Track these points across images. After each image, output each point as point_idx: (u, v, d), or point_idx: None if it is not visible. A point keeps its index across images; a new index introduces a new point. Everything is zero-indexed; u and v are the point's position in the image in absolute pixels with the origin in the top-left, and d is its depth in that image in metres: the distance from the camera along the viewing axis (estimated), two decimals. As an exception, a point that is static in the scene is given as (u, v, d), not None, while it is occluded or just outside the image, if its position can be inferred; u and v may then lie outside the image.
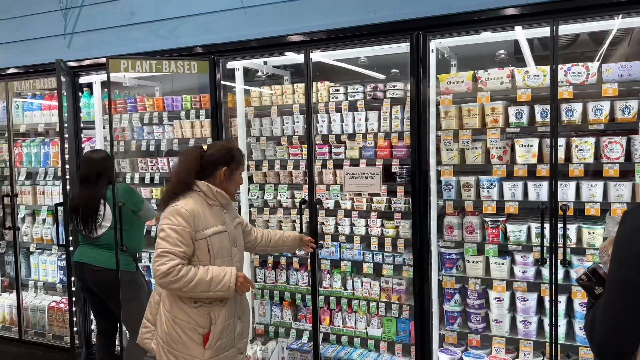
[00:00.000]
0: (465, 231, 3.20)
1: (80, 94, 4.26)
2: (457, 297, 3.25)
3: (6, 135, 4.56)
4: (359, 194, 3.50)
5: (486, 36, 3.07)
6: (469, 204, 3.17)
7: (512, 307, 3.19)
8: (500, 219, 3.12)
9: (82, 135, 4.29)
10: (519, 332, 3.13)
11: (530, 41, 3.16)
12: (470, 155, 3.15)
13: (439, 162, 3.20)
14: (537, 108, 2.99)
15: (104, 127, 4.21)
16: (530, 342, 3.08)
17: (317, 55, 3.37)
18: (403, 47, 3.19)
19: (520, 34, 3.02)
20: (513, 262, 3.14)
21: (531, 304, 3.09)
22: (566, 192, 2.92)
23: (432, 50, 3.08)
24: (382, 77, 3.78)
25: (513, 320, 3.18)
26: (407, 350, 3.44)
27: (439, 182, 3.22)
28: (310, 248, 2.99)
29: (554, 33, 2.74)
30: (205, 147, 2.47)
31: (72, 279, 3.90)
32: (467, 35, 3.09)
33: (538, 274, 3.10)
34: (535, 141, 2.99)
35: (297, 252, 3.58)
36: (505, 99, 3.10)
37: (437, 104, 3.17)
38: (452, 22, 2.93)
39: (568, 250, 2.88)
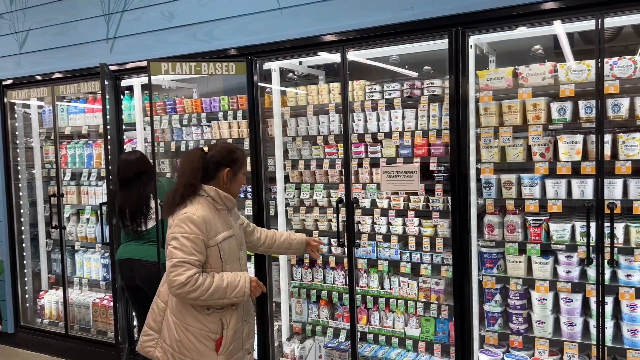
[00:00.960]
0: (506, 230, 3.13)
1: (121, 96, 4.38)
2: (497, 297, 3.19)
3: (52, 137, 4.73)
4: (396, 193, 3.48)
5: (526, 31, 3.01)
6: (510, 202, 3.11)
7: (556, 307, 3.11)
8: (543, 218, 3.05)
9: (124, 137, 4.41)
10: (562, 334, 3.05)
11: (570, 35, 3.08)
12: (511, 152, 3.09)
13: (478, 160, 3.15)
14: (581, 103, 2.90)
15: (144, 129, 4.32)
16: (575, 344, 2.99)
17: (350, 55, 3.36)
18: (438, 44, 3.16)
19: (560, 28, 2.94)
20: (556, 261, 3.07)
21: (576, 305, 3.00)
22: (612, 190, 2.83)
23: (471, 46, 3.04)
24: (415, 74, 3.74)
25: (557, 322, 3.10)
26: (446, 350, 3.40)
27: (478, 180, 3.16)
28: (316, 254, 2.92)
29: (600, 26, 2.66)
30: (206, 148, 2.43)
31: (116, 276, 4.02)
32: (507, 31, 3.03)
33: (583, 274, 3.01)
34: (579, 138, 2.91)
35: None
36: (547, 95, 3.02)
37: (477, 100, 3.12)
38: (492, 18, 2.88)
39: (615, 250, 2.78)
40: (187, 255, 2.23)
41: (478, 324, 3.23)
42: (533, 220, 3.06)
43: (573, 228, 3.01)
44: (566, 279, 3.00)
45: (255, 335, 3.76)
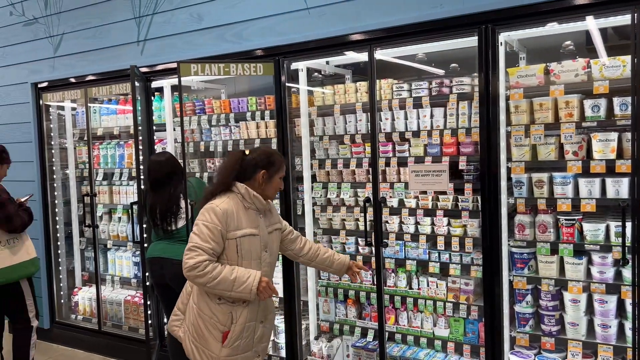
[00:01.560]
0: (538, 230, 3.08)
1: (152, 98, 4.46)
2: (529, 298, 3.14)
3: (85, 138, 4.86)
4: (424, 192, 3.46)
5: (557, 27, 2.94)
6: (541, 201, 3.06)
7: (589, 309, 3.04)
8: (576, 218, 2.99)
9: (154, 138, 4.49)
10: (597, 336, 2.99)
11: (603, 31, 3.01)
12: (543, 151, 3.04)
13: (509, 159, 3.11)
14: (616, 100, 2.83)
15: (174, 129, 4.40)
16: (610, 346, 2.92)
17: (377, 54, 3.35)
18: (467, 42, 3.13)
19: (593, 24, 2.88)
20: (590, 262, 3.00)
21: (610, 307, 2.93)
22: (649, 188, 2.75)
23: (501, 43, 2.99)
24: (442, 72, 3.71)
25: (590, 323, 3.03)
26: (476, 351, 3.36)
27: (508, 179, 3.12)
28: (356, 279, 2.93)
29: (636, 21, 2.59)
30: (247, 151, 2.57)
31: (147, 274, 4.10)
32: (538, 27, 2.97)
33: (618, 275, 2.94)
34: (614, 135, 2.84)
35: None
36: (579, 92, 2.96)
37: (507, 98, 3.08)
38: (523, 14, 2.83)
39: (652, 251, 2.71)
40: (202, 241, 2.35)
41: (508, 325, 3.18)
42: (565, 219, 3.00)
43: (607, 228, 2.94)
44: (600, 280, 2.93)
45: (283, 334, 3.82)
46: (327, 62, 3.90)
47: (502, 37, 3.00)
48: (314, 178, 3.93)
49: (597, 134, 2.87)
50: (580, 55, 3.13)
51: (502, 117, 3.04)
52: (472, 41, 3.04)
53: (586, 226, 2.96)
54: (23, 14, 5.07)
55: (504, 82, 3.04)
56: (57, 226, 5.16)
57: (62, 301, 5.23)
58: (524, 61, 3.30)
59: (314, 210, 3.91)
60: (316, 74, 4.01)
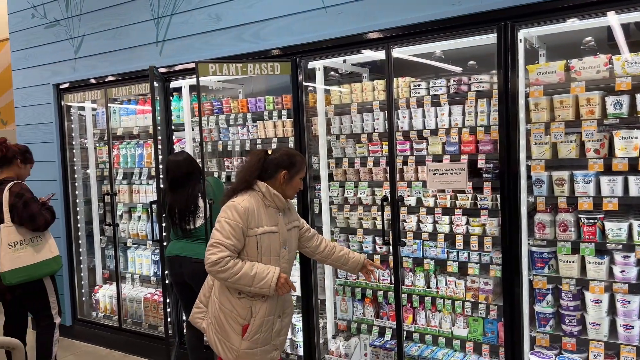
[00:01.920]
0: (558, 229, 3.04)
1: (170, 98, 4.50)
2: (549, 297, 3.10)
3: (105, 138, 4.93)
4: (443, 191, 3.44)
5: (577, 23, 2.90)
6: (562, 200, 3.01)
7: (612, 309, 2.99)
8: (598, 216, 2.94)
9: (173, 137, 4.54)
10: (619, 337, 2.94)
11: (625, 26, 2.95)
12: (564, 148, 2.99)
13: (528, 157, 3.07)
14: (639, 97, 2.78)
15: (192, 129, 4.44)
16: (633, 347, 2.88)
17: (394, 52, 3.34)
18: (485, 39, 3.10)
19: (615, 19, 2.83)
20: (612, 261, 2.95)
21: (633, 307, 2.88)
22: (674, 187, 2.70)
23: (521, 40, 2.96)
24: (459, 69, 3.68)
25: (612, 324, 2.98)
26: (495, 351, 3.33)
27: (528, 177, 3.08)
28: (369, 278, 2.97)
29: (659, 15, 2.54)
30: (270, 151, 2.64)
31: (166, 272, 4.14)
32: (558, 24, 2.93)
33: (641, 275, 2.89)
34: (636, 133, 2.79)
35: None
36: (601, 89, 2.91)
37: (526, 96, 3.04)
38: (543, 10, 2.80)
39: (677, 250, 2.66)
40: (224, 238, 2.43)
41: (528, 325, 3.15)
42: (587, 218, 2.95)
43: (630, 227, 2.89)
44: (623, 279, 2.88)
45: (301, 332, 3.83)
46: (344, 61, 3.89)
47: (522, 33, 2.97)
48: (331, 177, 3.93)
49: (620, 131, 2.82)
50: (601, 51, 3.08)
51: (522, 114, 3.01)
52: (490, 38, 3.01)
53: (608, 225, 2.91)
54: (45, 16, 5.16)
55: (523, 80, 3.01)
56: (79, 225, 5.25)
57: (84, 299, 5.32)
58: (544, 58, 3.26)
59: (331, 209, 3.91)
60: (333, 72, 4.01)
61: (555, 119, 3.00)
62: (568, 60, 2.95)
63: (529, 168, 3.06)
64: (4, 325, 3.89)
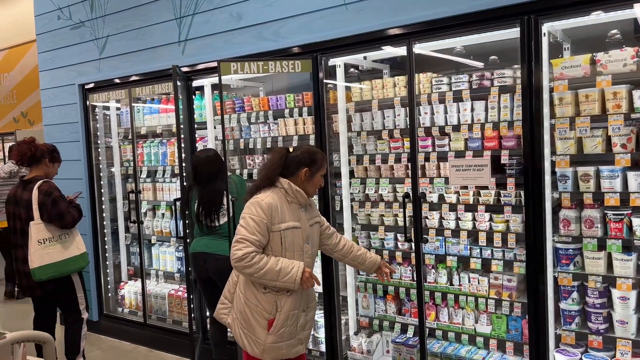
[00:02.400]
0: (584, 225, 3.00)
1: (193, 96, 4.56)
2: (574, 295, 3.06)
3: (129, 137, 5.01)
4: (465, 187, 3.41)
5: (603, 16, 2.84)
6: (587, 196, 2.97)
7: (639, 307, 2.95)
8: (625, 212, 2.89)
9: (196, 136, 4.59)
10: (647, 335, 2.89)
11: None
12: (589, 144, 2.94)
13: (553, 152, 3.03)
14: (668, 90, 2.72)
15: (214, 127, 4.48)
16: (662, 346, 2.82)
17: (416, 47, 3.32)
18: (507, 33, 3.06)
19: (641, 11, 2.77)
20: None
21: (662, 305, 2.83)
22: None
23: (544, 34, 2.92)
24: (481, 64, 3.64)
25: (641, 322, 2.94)
26: (519, 349, 3.30)
27: (553, 173, 3.04)
28: (383, 279, 3.00)
29: (689, 6, 2.47)
30: (291, 149, 2.68)
31: (190, 268, 4.20)
32: (583, 17, 2.88)
33: (670, 272, 2.83)
34: (665, 127, 2.73)
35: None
36: (628, 82, 2.85)
37: (551, 90, 3.00)
38: (567, 4, 2.75)
39: None
40: (250, 234, 2.47)
41: (553, 323, 3.11)
42: (614, 214, 2.90)
43: (659, 223, 2.83)
44: (651, 277, 2.83)
45: (323, 329, 3.85)
46: (365, 58, 3.89)
47: (546, 27, 2.92)
48: (352, 174, 3.93)
49: (648, 125, 2.77)
50: (627, 44, 3.02)
51: (546, 109, 2.97)
52: (512, 33, 2.97)
53: (636, 221, 2.85)
54: (70, 18, 5.27)
55: (547, 74, 2.97)
56: (104, 222, 5.35)
57: (110, 294, 5.42)
58: (568, 52, 3.21)
59: (352, 206, 3.91)
60: (353, 69, 4.00)
61: (580, 114, 2.95)
62: (594, 54, 2.90)
63: (553, 164, 3.02)
64: (34, 321, 4.00)
